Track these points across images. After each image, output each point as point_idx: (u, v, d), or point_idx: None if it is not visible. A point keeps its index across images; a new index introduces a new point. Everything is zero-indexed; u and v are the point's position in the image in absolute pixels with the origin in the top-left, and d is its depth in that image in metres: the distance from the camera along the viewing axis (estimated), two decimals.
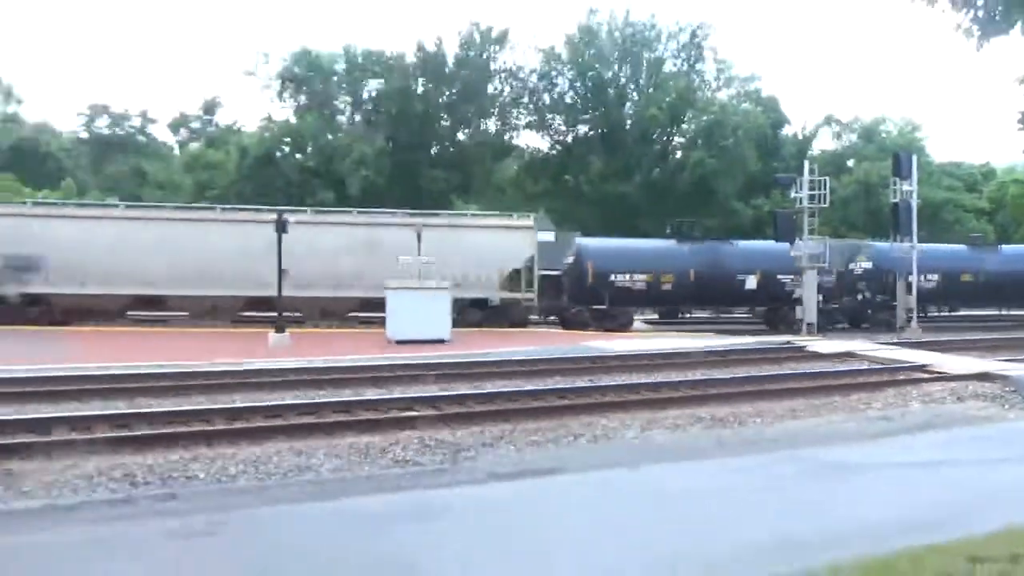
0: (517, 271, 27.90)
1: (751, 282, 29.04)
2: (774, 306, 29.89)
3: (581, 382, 14.49)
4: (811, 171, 27.95)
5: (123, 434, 9.27)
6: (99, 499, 7.05)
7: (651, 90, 50.95)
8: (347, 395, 12.53)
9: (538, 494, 7.40)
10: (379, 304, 22.55)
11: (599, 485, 7.73)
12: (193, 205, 34.78)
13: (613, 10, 52.16)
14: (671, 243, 29.73)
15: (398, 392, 12.92)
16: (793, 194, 28.29)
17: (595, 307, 27.68)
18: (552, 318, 30.05)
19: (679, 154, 51.68)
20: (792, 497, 7.24)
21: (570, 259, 29.20)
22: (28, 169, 51.06)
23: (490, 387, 13.59)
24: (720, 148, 48.09)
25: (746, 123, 49.69)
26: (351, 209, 31.08)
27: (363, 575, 5.19)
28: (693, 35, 52.37)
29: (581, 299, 28.27)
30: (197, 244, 25.67)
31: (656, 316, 34.55)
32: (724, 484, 7.75)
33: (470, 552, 5.66)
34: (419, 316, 21.03)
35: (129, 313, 26.47)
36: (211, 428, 9.67)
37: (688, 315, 36.63)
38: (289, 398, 12.09)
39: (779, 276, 28.86)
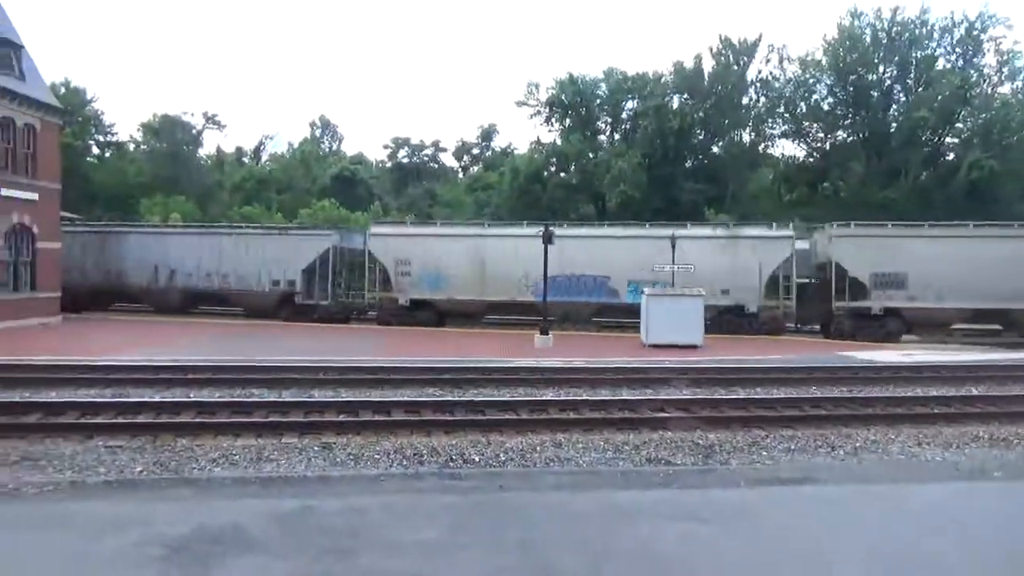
0: None
1: None
2: None
3: (838, 392, 13.34)
4: None
5: (413, 418, 10.14)
6: (394, 472, 7.76)
7: (920, 90, 45.58)
8: (604, 394, 12.62)
9: (790, 503, 6.89)
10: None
11: (855, 499, 7.02)
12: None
13: (879, 8, 47.48)
14: None
15: (650, 393, 12.78)
16: None
17: None
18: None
19: (951, 156, 45.72)
20: None
21: None
22: (345, 194, 57.67)
23: (743, 392, 12.97)
24: (1002, 147, 41.83)
25: None
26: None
27: (619, 565, 5.16)
28: (970, 28, 45.91)
29: None
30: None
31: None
32: (1009, 511, 6.67)
33: (720, 554, 5.41)
34: (674, 322, 20.66)
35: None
36: (484, 418, 10.24)
37: None
38: (550, 394, 12.44)
39: None
